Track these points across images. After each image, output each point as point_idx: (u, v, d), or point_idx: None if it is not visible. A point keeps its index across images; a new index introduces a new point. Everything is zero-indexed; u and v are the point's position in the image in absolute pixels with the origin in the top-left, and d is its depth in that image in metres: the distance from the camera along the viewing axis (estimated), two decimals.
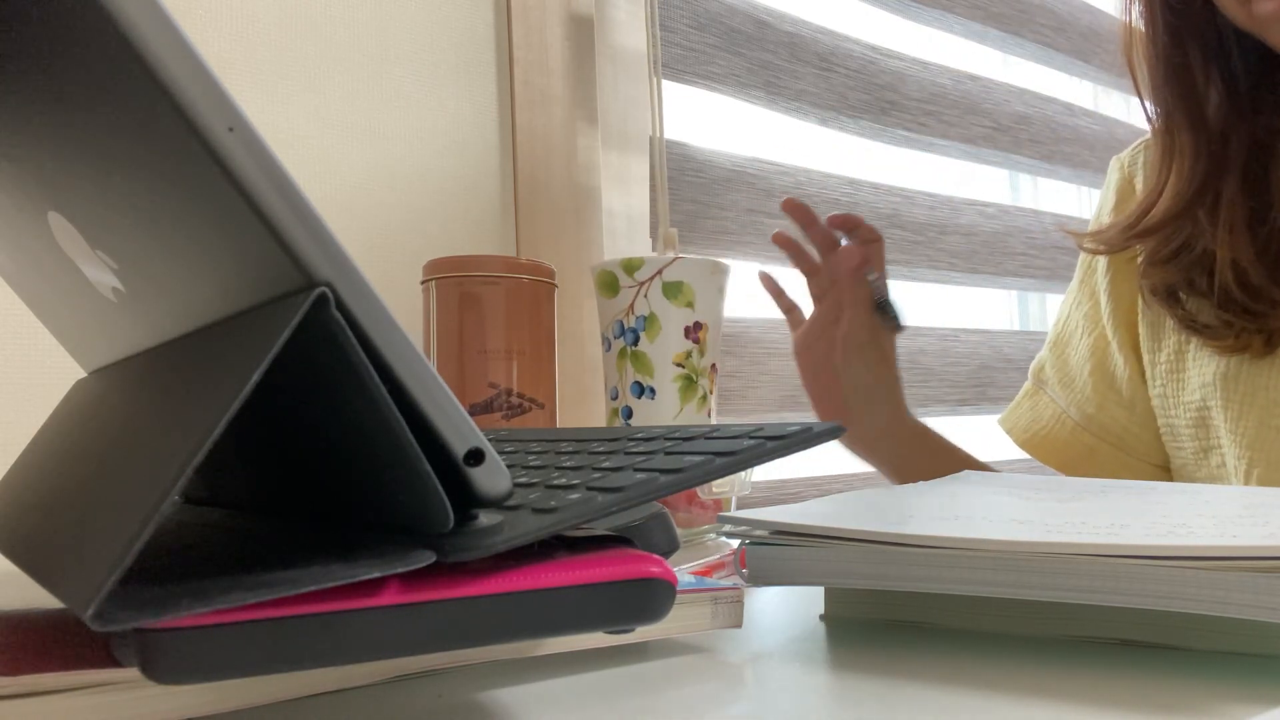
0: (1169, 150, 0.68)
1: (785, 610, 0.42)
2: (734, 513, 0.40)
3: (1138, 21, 0.70)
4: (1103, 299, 0.76)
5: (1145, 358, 0.73)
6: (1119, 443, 0.75)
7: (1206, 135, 0.66)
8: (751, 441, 0.28)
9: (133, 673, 0.24)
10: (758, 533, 0.38)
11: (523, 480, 0.30)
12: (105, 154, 0.24)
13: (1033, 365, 0.84)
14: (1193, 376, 0.69)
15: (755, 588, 0.42)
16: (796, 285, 1.18)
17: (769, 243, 1.07)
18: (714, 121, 1.10)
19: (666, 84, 0.97)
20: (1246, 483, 0.64)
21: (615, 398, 0.71)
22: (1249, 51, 0.67)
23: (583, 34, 0.93)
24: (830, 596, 0.40)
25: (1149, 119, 0.71)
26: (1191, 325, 0.67)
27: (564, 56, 0.91)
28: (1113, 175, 0.79)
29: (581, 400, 0.88)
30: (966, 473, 0.64)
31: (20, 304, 0.39)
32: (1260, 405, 0.64)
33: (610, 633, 0.32)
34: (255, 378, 0.21)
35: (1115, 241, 0.70)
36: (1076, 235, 0.75)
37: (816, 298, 0.79)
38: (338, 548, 0.24)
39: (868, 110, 1.17)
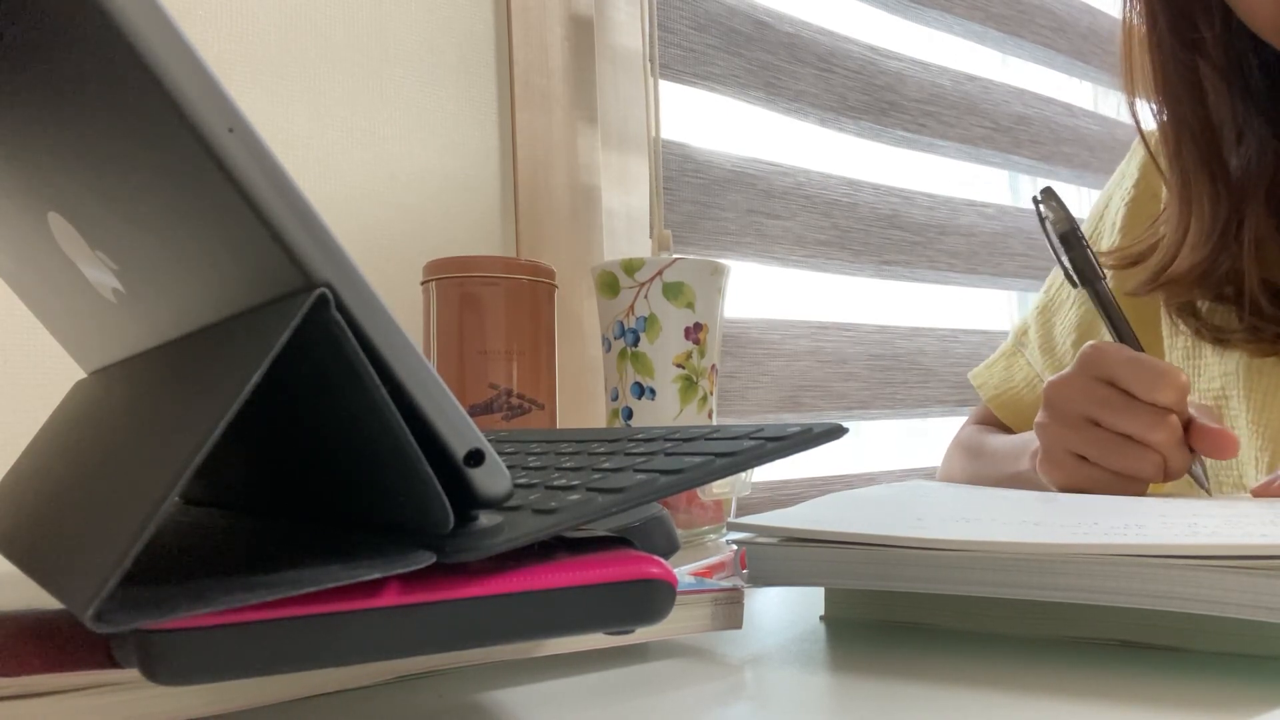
0: (1186, 202, 0.66)
1: (785, 611, 0.42)
2: (740, 519, 0.40)
3: (1145, 89, 0.68)
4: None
5: (1165, 342, 0.72)
6: None
7: (1226, 180, 0.65)
8: (752, 442, 0.28)
9: (133, 673, 0.23)
10: (765, 540, 0.38)
11: (523, 481, 0.30)
12: (105, 154, 0.24)
13: (1016, 326, 0.84)
14: (1212, 364, 0.68)
15: (755, 589, 0.42)
16: (792, 287, 1.18)
17: (769, 243, 1.07)
18: (714, 122, 1.10)
19: (666, 84, 0.97)
20: (1266, 475, 0.63)
21: (615, 398, 0.71)
22: (1273, 69, 0.66)
23: (582, 34, 0.93)
24: (830, 597, 0.40)
25: (1159, 168, 0.69)
26: (1213, 334, 0.66)
27: (564, 57, 0.91)
28: (1140, 151, 0.78)
29: (581, 400, 0.88)
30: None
31: (20, 304, 0.39)
32: None
33: (610, 634, 0.32)
34: (255, 379, 0.21)
35: (1140, 290, 0.68)
36: (1096, 255, 0.75)
37: None
38: (337, 548, 0.24)
39: (867, 111, 1.17)
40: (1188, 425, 0.53)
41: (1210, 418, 0.54)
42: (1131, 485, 0.53)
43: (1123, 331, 0.57)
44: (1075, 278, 0.58)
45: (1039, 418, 0.57)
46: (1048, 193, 0.59)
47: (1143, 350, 0.56)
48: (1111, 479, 0.53)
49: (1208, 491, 0.55)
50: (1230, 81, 0.66)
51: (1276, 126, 0.65)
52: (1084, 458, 0.54)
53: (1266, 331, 0.64)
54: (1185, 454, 0.53)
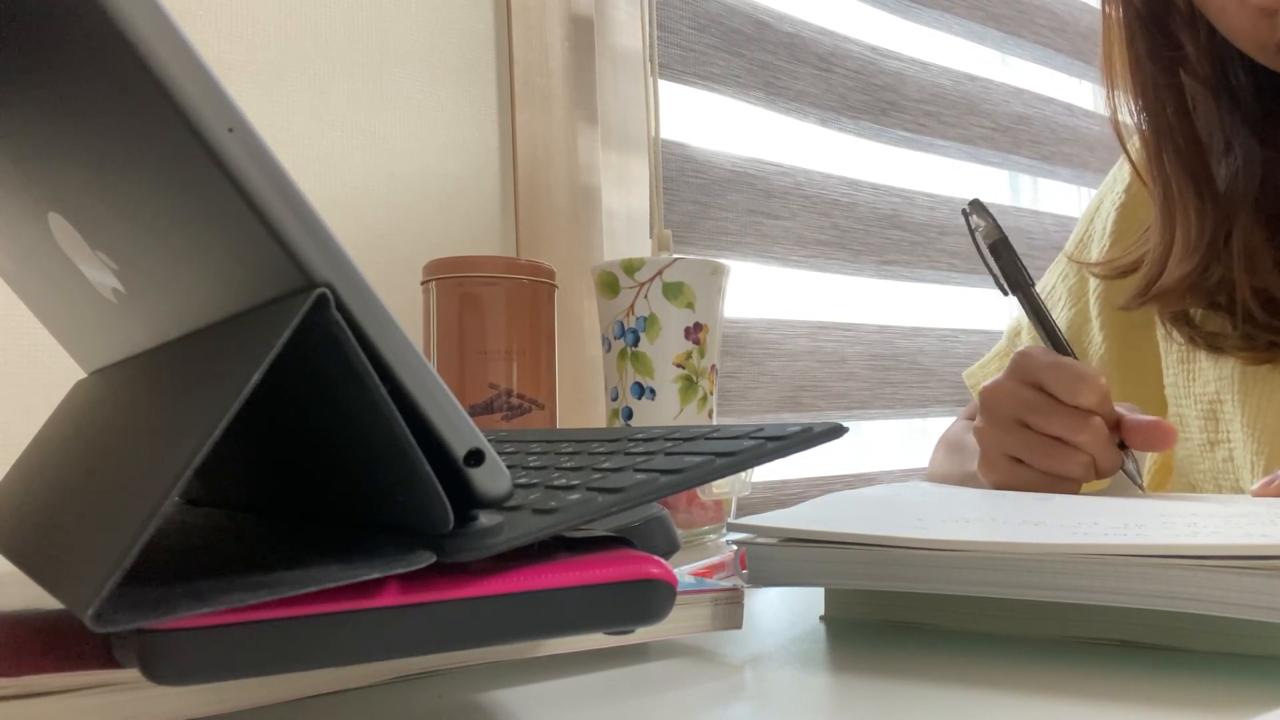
0: (1169, 213, 0.65)
1: (785, 611, 0.42)
2: (740, 519, 0.40)
3: (1131, 105, 0.67)
4: (1091, 279, 0.76)
5: (1160, 346, 0.72)
6: None
7: (1212, 191, 0.64)
8: (752, 442, 0.28)
9: (133, 673, 0.23)
10: (764, 540, 0.38)
11: (523, 481, 0.30)
12: (105, 155, 0.24)
13: (1010, 325, 0.84)
14: (1207, 368, 0.68)
15: (755, 589, 0.42)
16: (792, 287, 1.18)
17: (769, 243, 1.07)
18: (714, 122, 1.10)
19: (666, 84, 0.97)
20: (1261, 478, 0.63)
21: (615, 398, 0.71)
22: (1261, 79, 0.65)
23: (582, 34, 0.93)
24: (830, 598, 0.40)
25: (1142, 180, 0.68)
26: (1207, 342, 0.66)
27: (564, 57, 0.91)
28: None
29: (581, 400, 0.88)
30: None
31: (20, 304, 0.39)
32: None
33: (610, 634, 0.32)
34: (255, 379, 0.21)
35: (1131, 304, 0.68)
36: (1086, 265, 0.74)
37: None
38: (337, 548, 0.24)
39: (868, 110, 1.17)
40: (1119, 424, 0.55)
41: (1140, 415, 0.55)
42: (1063, 485, 0.55)
43: (1053, 336, 0.59)
44: (1005, 285, 0.60)
45: (976, 422, 0.59)
46: (976, 204, 0.60)
47: (1073, 355, 0.58)
48: (1044, 479, 0.55)
49: (1141, 489, 0.56)
50: (1217, 92, 0.65)
51: (1263, 136, 0.65)
52: (1018, 460, 0.56)
53: (1260, 339, 0.63)
54: (1113, 453, 0.54)
